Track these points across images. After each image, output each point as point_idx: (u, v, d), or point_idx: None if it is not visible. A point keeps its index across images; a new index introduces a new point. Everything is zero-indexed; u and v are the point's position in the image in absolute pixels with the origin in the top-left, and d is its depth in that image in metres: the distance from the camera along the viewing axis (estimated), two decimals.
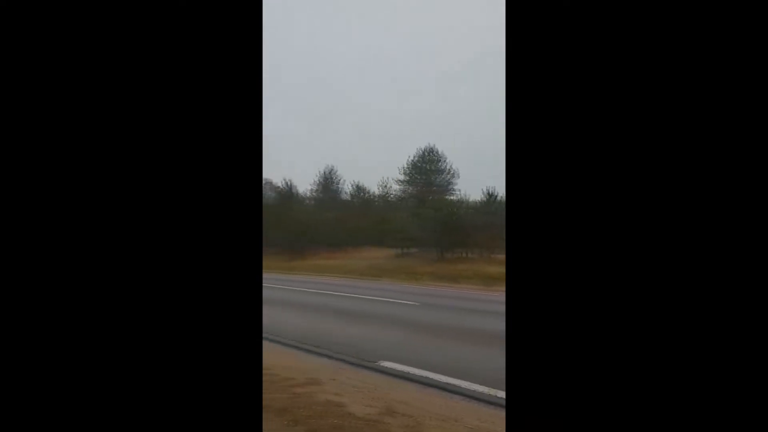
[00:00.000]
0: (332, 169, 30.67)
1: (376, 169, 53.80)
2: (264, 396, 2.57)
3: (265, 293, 5.54)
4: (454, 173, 26.97)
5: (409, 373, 3.16)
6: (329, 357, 3.49)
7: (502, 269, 8.49)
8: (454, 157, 31.50)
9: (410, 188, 27.74)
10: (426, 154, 27.25)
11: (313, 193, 30.51)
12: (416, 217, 18.90)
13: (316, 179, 30.51)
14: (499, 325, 4.75)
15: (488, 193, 20.38)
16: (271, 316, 5.24)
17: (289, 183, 29.61)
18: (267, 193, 30.73)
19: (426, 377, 3.08)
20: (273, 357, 3.48)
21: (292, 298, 7.08)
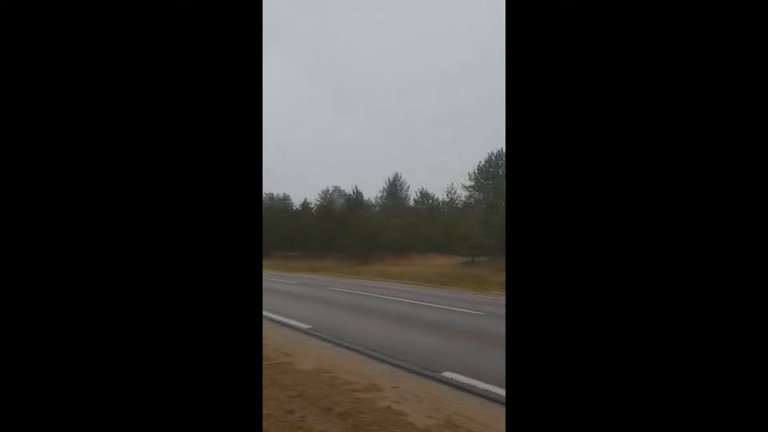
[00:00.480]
0: (398, 176, 30.91)
1: (444, 174, 53.34)
2: (326, 398, 2.62)
3: (331, 296, 5.72)
4: None
5: (472, 385, 3.04)
6: (391, 363, 3.48)
7: None
8: None
9: (478, 194, 27.04)
10: (496, 158, 26.41)
11: (380, 200, 30.99)
12: (485, 224, 18.33)
13: (384, 186, 30.96)
14: None
15: None
16: (333, 319, 5.37)
17: (355, 190, 30.40)
18: (336, 200, 31.87)
19: (490, 391, 2.93)
20: (334, 360, 3.55)
21: (355, 301, 7.21)
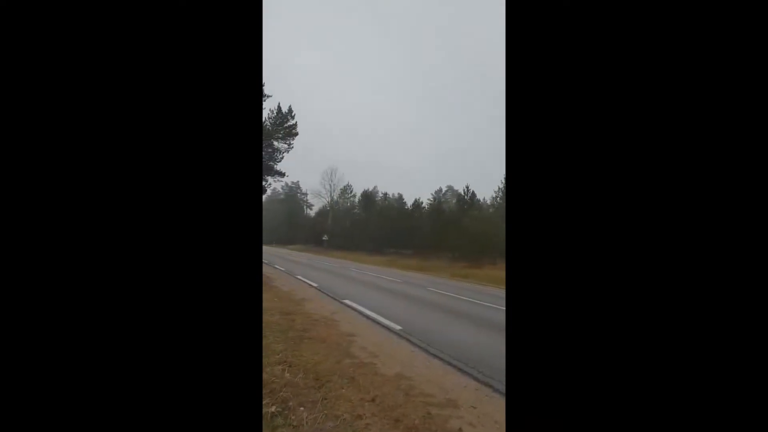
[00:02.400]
0: None
1: None
2: (398, 408, 2.52)
3: (433, 298, 5.56)
4: None
5: None
6: (478, 380, 3.21)
7: None
8: None
9: None
10: None
11: (496, 201, 29.68)
12: None
13: (500, 186, 29.57)
14: None
15: None
16: (430, 322, 5.21)
17: (467, 189, 29.62)
18: (448, 200, 31.48)
19: None
20: (419, 367, 3.41)
21: (458, 306, 6.93)
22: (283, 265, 15.50)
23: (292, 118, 18.09)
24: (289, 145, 18.73)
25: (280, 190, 70.05)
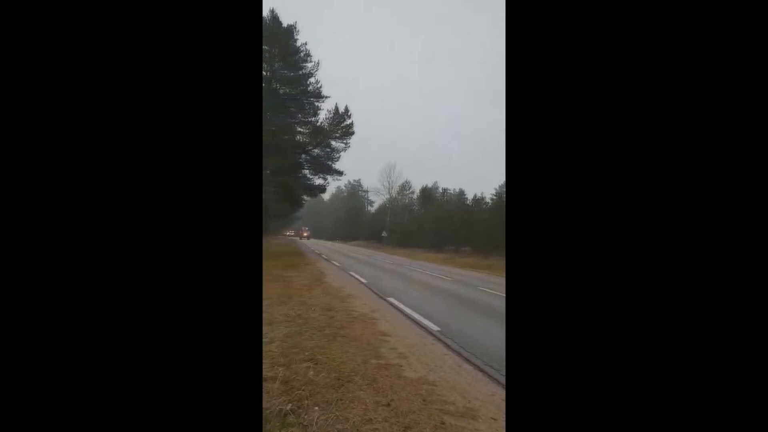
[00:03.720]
0: None
1: None
2: (411, 415, 2.43)
3: (482, 299, 5.34)
4: None
5: None
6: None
7: None
8: None
9: None
10: None
11: None
12: None
13: None
14: None
15: None
16: (471, 325, 5.01)
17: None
18: (501, 193, 30.13)
19: None
20: (446, 371, 3.27)
21: (500, 306, 6.60)
22: (340, 261, 15.90)
23: (349, 117, 18.44)
24: (346, 144, 19.12)
25: (343, 188, 72.08)
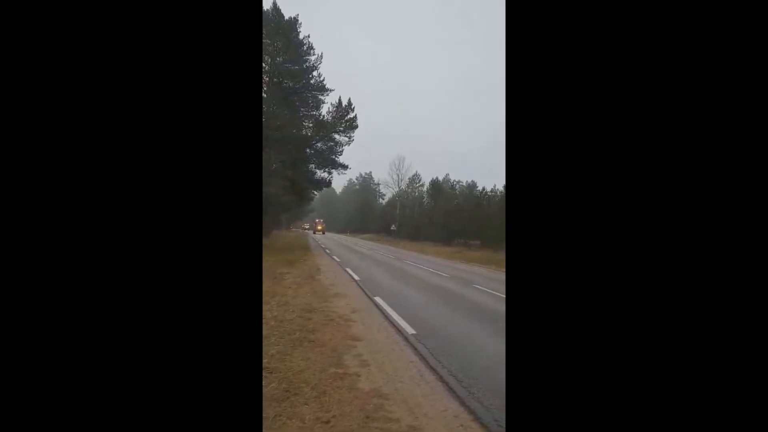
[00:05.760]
0: None
1: None
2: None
3: (480, 299, 5.16)
4: None
5: None
6: (464, 403, 2.83)
7: None
8: None
9: None
10: None
11: None
12: None
13: None
14: None
15: None
16: (458, 330, 4.82)
17: None
18: None
19: None
20: (407, 383, 3.10)
21: (495, 307, 6.39)
22: (341, 255, 15.84)
23: (352, 110, 18.23)
24: (350, 138, 18.94)
25: (355, 180, 72.08)
